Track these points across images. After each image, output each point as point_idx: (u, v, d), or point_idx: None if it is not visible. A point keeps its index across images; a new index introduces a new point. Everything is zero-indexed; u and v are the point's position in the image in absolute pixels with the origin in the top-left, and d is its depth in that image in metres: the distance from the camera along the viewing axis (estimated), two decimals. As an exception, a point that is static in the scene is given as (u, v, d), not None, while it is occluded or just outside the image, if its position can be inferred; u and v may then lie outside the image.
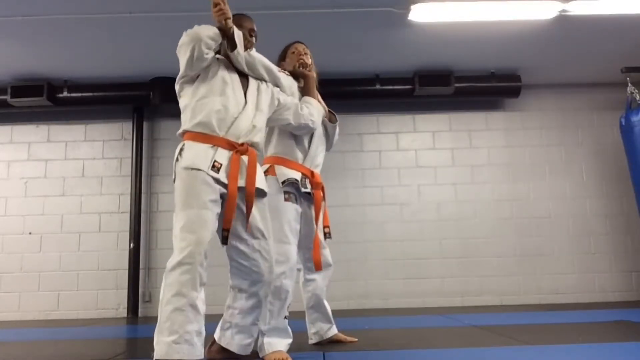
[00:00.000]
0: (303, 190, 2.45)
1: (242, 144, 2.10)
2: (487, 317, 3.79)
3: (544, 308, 4.47)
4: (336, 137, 2.76)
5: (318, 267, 2.53)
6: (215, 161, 2.03)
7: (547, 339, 2.72)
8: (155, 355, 1.84)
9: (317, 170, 2.58)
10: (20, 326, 4.26)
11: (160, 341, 1.84)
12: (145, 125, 5.19)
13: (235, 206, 2.03)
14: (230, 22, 2.19)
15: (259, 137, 2.18)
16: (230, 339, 2.15)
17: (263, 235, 2.12)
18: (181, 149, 2.12)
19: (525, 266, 5.02)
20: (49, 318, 4.80)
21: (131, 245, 4.90)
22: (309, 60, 2.65)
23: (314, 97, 2.54)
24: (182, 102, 2.28)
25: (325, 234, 2.60)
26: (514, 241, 5.08)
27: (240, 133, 2.11)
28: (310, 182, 2.50)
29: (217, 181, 2.02)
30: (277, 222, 2.35)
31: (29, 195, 5.07)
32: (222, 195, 2.05)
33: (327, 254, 2.67)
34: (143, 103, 5.06)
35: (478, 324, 3.39)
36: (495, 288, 4.98)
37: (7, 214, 5.04)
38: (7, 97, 4.81)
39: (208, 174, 2.00)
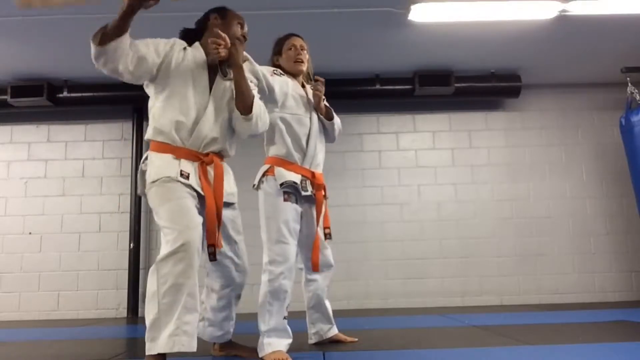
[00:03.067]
0: (304, 193, 2.43)
1: (207, 154, 2.05)
2: (487, 317, 3.78)
3: (544, 308, 4.47)
4: (337, 131, 2.69)
5: (315, 268, 2.51)
6: (182, 170, 1.98)
7: (547, 339, 2.72)
8: (151, 350, 1.80)
9: (318, 170, 2.55)
10: (20, 326, 4.26)
11: (158, 336, 1.80)
12: (145, 125, 5.18)
13: (215, 219, 1.98)
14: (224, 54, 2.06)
15: (222, 144, 2.10)
16: (203, 330, 2.29)
17: (235, 241, 2.15)
18: (145, 161, 2.06)
19: (525, 266, 5.02)
20: (49, 318, 4.80)
21: (131, 245, 4.90)
22: (307, 57, 2.62)
23: (321, 110, 2.57)
24: (149, 102, 2.15)
25: (325, 234, 2.58)
26: (514, 241, 5.08)
27: (201, 143, 2.05)
28: (312, 184, 2.48)
29: (190, 187, 1.98)
30: (275, 222, 2.36)
31: (29, 195, 5.07)
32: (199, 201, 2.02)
33: (328, 254, 2.66)
34: (143, 103, 5.03)
35: (478, 324, 3.39)
36: (495, 288, 4.98)
37: (7, 214, 5.04)
38: (7, 97, 4.80)
39: (178, 181, 1.96)
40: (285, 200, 2.37)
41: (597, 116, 5.33)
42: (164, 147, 2.02)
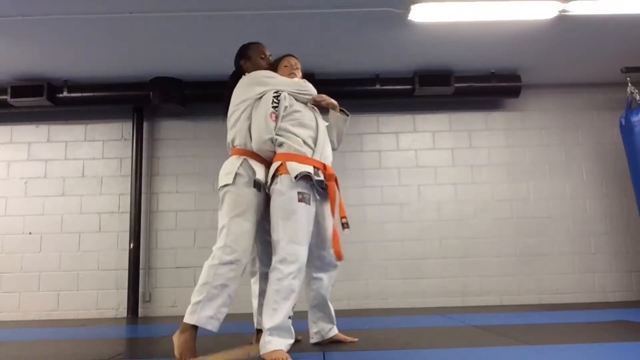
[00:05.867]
0: (316, 178, 2.43)
1: None
2: (487, 317, 3.78)
3: (544, 308, 4.47)
4: (344, 130, 2.79)
5: (339, 257, 2.53)
6: None
7: (547, 339, 2.72)
8: (191, 320, 2.27)
9: (327, 162, 2.58)
10: (20, 326, 4.26)
11: (198, 312, 2.28)
12: (145, 125, 5.19)
13: None
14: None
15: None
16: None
17: None
18: None
19: (525, 266, 5.02)
20: (49, 318, 4.80)
21: (131, 245, 4.90)
22: (299, 75, 2.76)
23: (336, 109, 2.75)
24: None
25: (342, 224, 2.54)
26: (514, 241, 5.08)
27: None
28: (324, 174, 2.50)
29: None
30: (290, 223, 2.36)
31: (29, 195, 5.07)
32: None
33: (333, 254, 2.66)
34: (143, 103, 5.06)
35: (478, 324, 3.39)
36: (495, 288, 4.98)
37: (7, 214, 5.04)
38: (7, 97, 4.81)
39: None
40: (299, 200, 2.38)
41: (597, 116, 5.33)
42: None
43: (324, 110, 2.75)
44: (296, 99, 2.60)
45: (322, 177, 2.48)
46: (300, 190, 2.39)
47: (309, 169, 2.43)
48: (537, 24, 4.10)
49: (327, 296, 2.65)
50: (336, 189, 2.53)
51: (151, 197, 5.10)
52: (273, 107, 2.50)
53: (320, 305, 2.64)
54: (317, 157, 2.51)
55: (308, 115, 2.60)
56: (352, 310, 4.59)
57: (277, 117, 2.50)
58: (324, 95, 2.71)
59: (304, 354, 2.39)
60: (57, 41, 4.18)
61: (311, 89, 2.66)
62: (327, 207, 2.58)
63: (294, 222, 2.35)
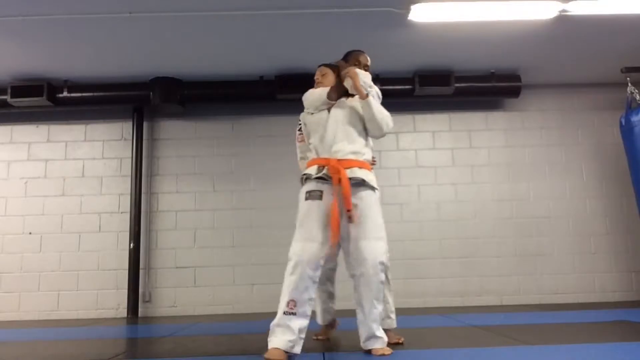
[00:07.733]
0: (315, 175, 2.46)
1: None
2: (487, 317, 3.78)
3: (544, 308, 4.47)
4: (377, 115, 2.52)
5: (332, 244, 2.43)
6: None
7: (547, 339, 2.72)
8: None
9: (337, 156, 2.47)
10: (20, 326, 4.26)
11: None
12: (145, 125, 5.19)
13: None
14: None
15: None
16: None
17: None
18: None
19: (525, 266, 5.02)
20: (49, 318, 4.80)
21: (131, 245, 4.89)
22: (326, 81, 2.77)
23: (361, 94, 2.58)
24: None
25: (348, 217, 2.42)
26: (514, 241, 5.08)
27: None
28: (329, 170, 2.45)
29: None
30: (297, 222, 2.44)
31: (29, 195, 5.07)
32: None
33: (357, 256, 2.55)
34: (143, 103, 5.06)
35: (478, 324, 3.39)
36: (495, 288, 4.98)
37: (7, 214, 5.04)
38: (7, 97, 4.80)
39: None
40: (306, 199, 2.44)
41: (597, 116, 5.33)
42: None
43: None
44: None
45: (320, 173, 2.45)
46: (308, 189, 2.45)
47: (313, 170, 2.48)
48: (537, 24, 4.10)
49: (361, 300, 2.58)
50: (339, 182, 2.41)
51: (151, 197, 5.10)
52: (298, 130, 2.83)
53: (356, 304, 2.57)
54: (325, 155, 2.49)
55: (317, 117, 2.61)
56: (352, 310, 4.56)
57: (303, 138, 2.78)
58: (348, 71, 2.62)
59: (304, 354, 2.39)
60: (57, 41, 4.18)
61: (310, 100, 2.67)
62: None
63: (299, 222, 2.42)
